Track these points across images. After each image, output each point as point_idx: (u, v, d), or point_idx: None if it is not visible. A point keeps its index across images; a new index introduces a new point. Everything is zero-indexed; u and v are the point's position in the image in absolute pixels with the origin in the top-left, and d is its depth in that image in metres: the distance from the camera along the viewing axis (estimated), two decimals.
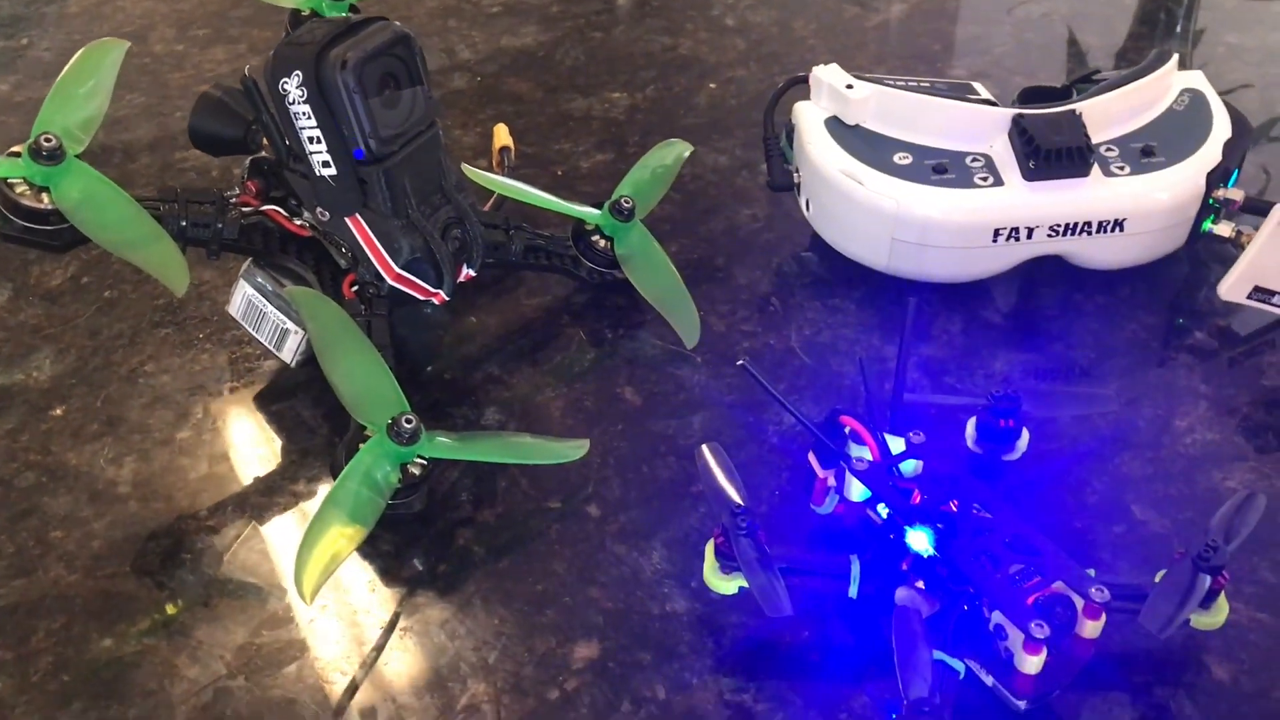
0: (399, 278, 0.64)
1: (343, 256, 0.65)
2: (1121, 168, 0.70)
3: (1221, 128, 0.73)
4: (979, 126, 0.72)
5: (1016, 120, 0.71)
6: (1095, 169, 0.70)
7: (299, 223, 0.66)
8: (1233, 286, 0.69)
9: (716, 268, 0.78)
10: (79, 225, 0.59)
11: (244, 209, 0.65)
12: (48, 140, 0.59)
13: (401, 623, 0.56)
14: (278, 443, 0.66)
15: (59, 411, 0.68)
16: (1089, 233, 0.70)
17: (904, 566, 0.52)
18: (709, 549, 0.54)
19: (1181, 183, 0.70)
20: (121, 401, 0.68)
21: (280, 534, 0.61)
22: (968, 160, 0.71)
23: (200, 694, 0.53)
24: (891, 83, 0.74)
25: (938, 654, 0.51)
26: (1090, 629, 0.49)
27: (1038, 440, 0.61)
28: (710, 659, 0.54)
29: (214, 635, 0.56)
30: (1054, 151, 0.69)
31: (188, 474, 0.64)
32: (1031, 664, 0.48)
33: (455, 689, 0.53)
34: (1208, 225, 0.73)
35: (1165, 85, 0.75)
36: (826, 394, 0.67)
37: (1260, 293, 0.69)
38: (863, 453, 0.55)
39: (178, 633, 0.56)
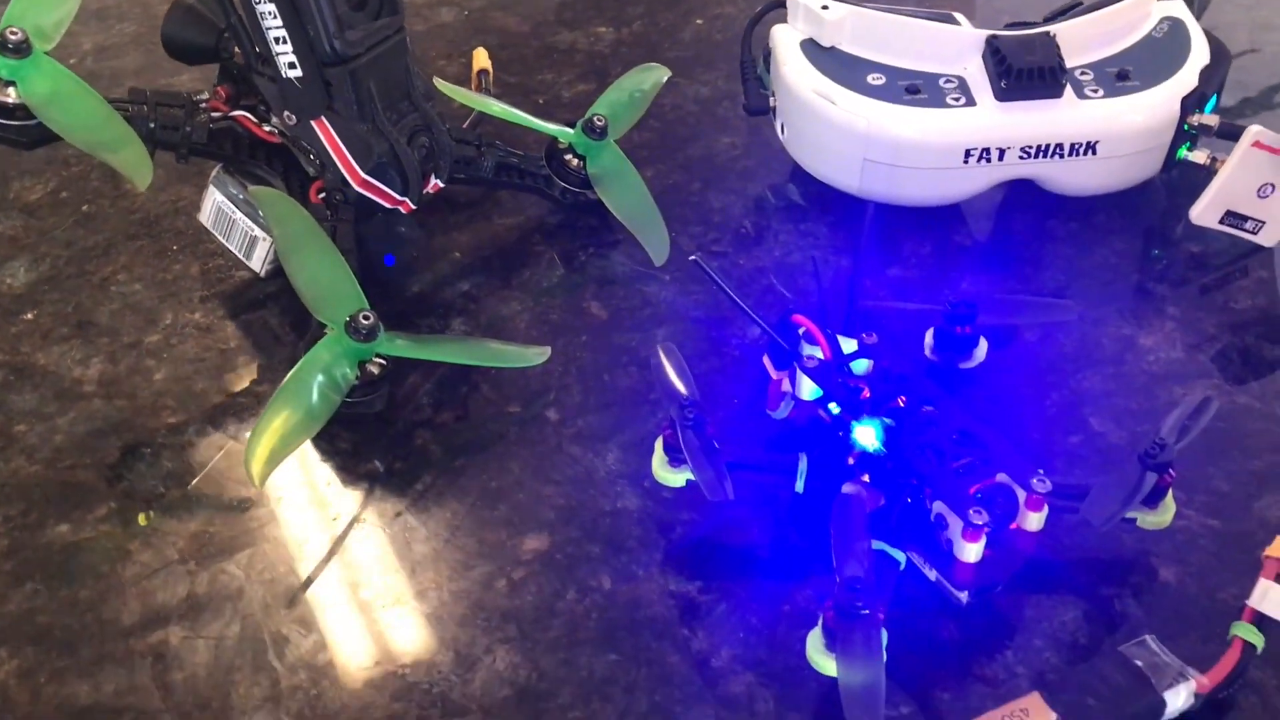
0: (365, 184, 0.65)
1: (310, 164, 0.65)
2: (1095, 90, 0.70)
3: (1199, 54, 0.73)
4: (953, 48, 0.71)
5: (990, 41, 0.70)
6: (1069, 91, 0.69)
7: (268, 129, 0.66)
8: (1204, 211, 0.69)
9: (691, 192, 0.78)
10: (46, 121, 0.60)
11: (213, 114, 0.66)
12: (13, 34, 0.59)
13: (355, 516, 0.57)
14: (245, 350, 0.67)
15: (30, 315, 0.68)
16: (1061, 155, 0.70)
17: (850, 461, 0.52)
18: (658, 444, 0.54)
19: (1155, 106, 0.70)
20: (93, 308, 0.69)
21: (241, 434, 0.61)
22: (941, 81, 0.70)
23: (151, 577, 0.54)
24: (870, 6, 0.74)
25: (879, 544, 0.51)
26: (1033, 521, 0.49)
27: (996, 353, 0.60)
28: (658, 553, 0.54)
29: (168, 524, 0.56)
30: (1026, 71, 0.68)
31: (153, 375, 0.65)
32: (970, 551, 0.48)
33: (403, 576, 0.54)
34: (1183, 152, 0.72)
35: (1143, 12, 0.75)
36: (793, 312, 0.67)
37: (1232, 217, 0.68)
38: (815, 352, 0.55)
39: (132, 520, 0.56)
